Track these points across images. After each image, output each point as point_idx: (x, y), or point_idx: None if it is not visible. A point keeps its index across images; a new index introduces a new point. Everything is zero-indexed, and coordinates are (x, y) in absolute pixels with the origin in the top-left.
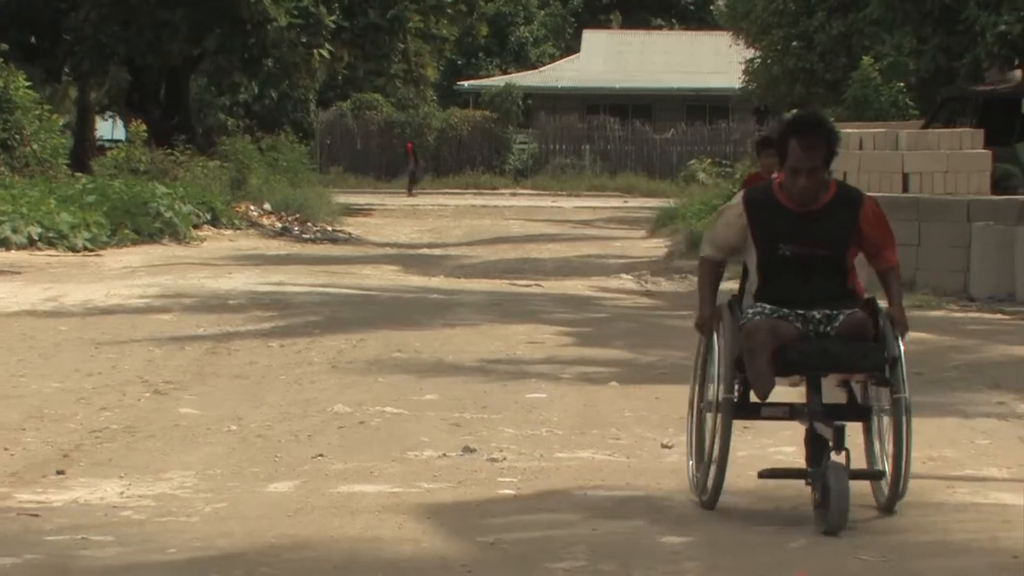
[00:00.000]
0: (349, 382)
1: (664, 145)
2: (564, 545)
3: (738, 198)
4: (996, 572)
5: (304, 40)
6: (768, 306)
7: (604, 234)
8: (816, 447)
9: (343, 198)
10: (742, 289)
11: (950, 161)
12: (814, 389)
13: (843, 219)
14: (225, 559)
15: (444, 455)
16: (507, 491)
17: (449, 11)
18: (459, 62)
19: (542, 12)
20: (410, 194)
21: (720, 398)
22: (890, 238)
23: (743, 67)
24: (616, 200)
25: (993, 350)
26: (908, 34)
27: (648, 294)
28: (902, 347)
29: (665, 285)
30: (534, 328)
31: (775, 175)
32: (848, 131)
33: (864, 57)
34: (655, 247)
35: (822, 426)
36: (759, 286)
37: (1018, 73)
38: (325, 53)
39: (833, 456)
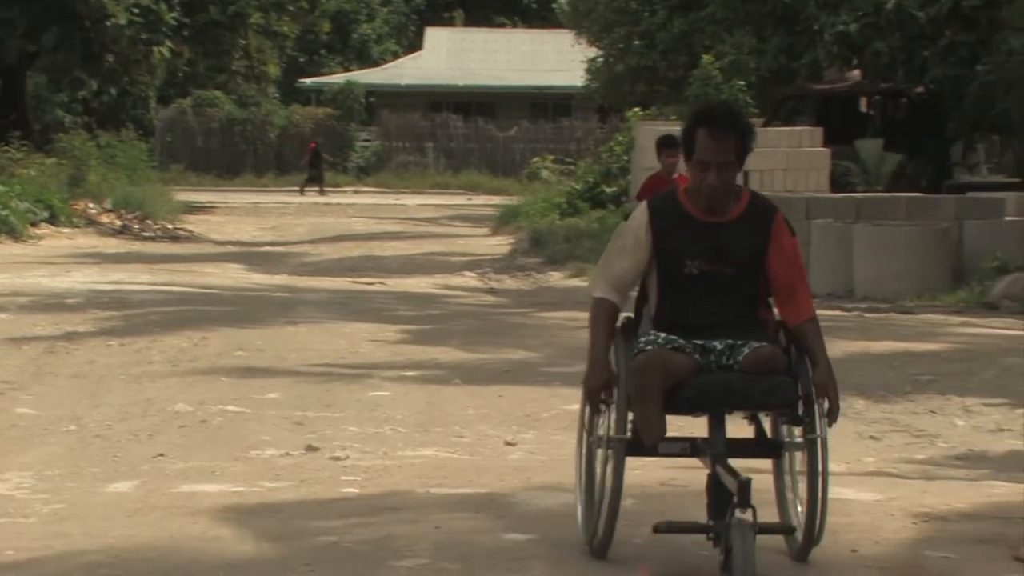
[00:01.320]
0: (190, 381)
1: (507, 143)
2: (407, 543)
3: (640, 209)
4: (836, 566)
5: (144, 37)
6: (662, 334)
7: (448, 232)
8: (719, 497)
9: (184, 196)
10: (639, 313)
11: (790, 159)
12: (717, 427)
13: (755, 234)
14: (63, 560)
15: (287, 454)
16: (350, 490)
17: (290, 8)
18: (301, 59)
19: (384, 9)
20: (322, 193)
21: (612, 437)
22: (801, 273)
23: (585, 65)
24: (460, 198)
25: (832, 346)
26: (748, 33)
27: (492, 292)
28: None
29: (508, 283)
30: (377, 326)
31: (676, 175)
32: None
33: (705, 56)
34: (498, 245)
35: (726, 475)
36: (657, 310)
37: (856, 72)
38: (165, 50)
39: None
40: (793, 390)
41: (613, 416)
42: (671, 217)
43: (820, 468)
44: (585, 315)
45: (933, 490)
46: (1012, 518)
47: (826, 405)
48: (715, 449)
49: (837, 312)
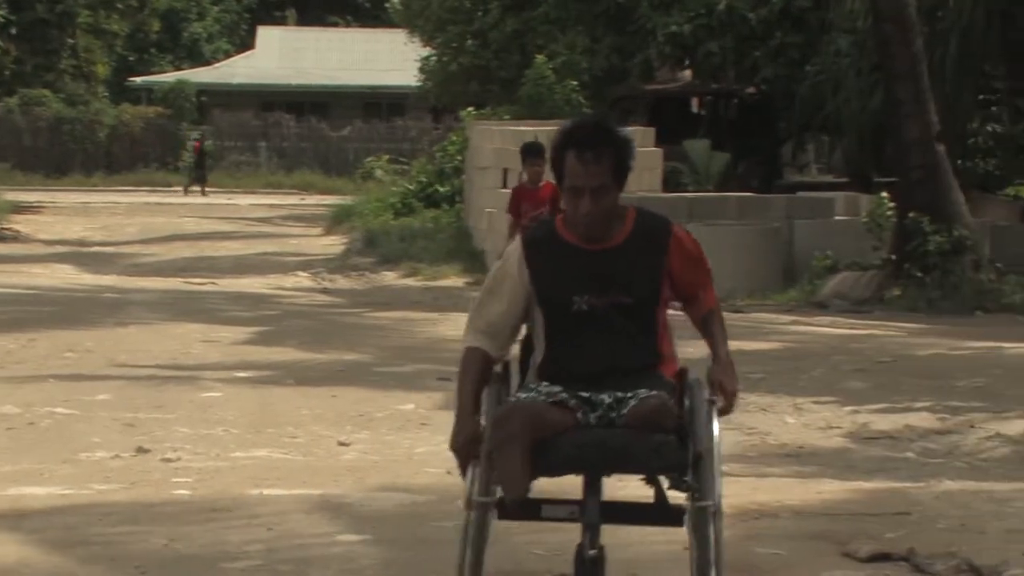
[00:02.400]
0: (18, 383)
1: (341, 143)
2: (240, 545)
3: (514, 244)
4: (670, 564)
5: None
6: (544, 385)
7: (281, 231)
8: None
9: (11, 195)
10: (524, 366)
11: None
12: (591, 492)
13: (648, 257)
14: None
15: (117, 456)
16: (182, 491)
17: (119, 6)
18: (131, 58)
19: (215, 8)
20: (203, 193)
21: (473, 499)
22: (707, 275)
23: (419, 65)
24: (293, 197)
25: None
26: (581, 33)
27: (325, 291)
28: (716, 432)
29: (342, 283)
30: (209, 327)
31: (543, 183)
32: (523, 129)
33: (538, 55)
34: (332, 244)
35: (593, 551)
36: (543, 359)
37: (688, 73)
38: None
39: None
40: (681, 451)
41: (475, 486)
42: (549, 249)
43: (712, 540)
44: (421, 315)
45: (764, 487)
46: (841, 515)
47: (720, 402)
48: (587, 517)
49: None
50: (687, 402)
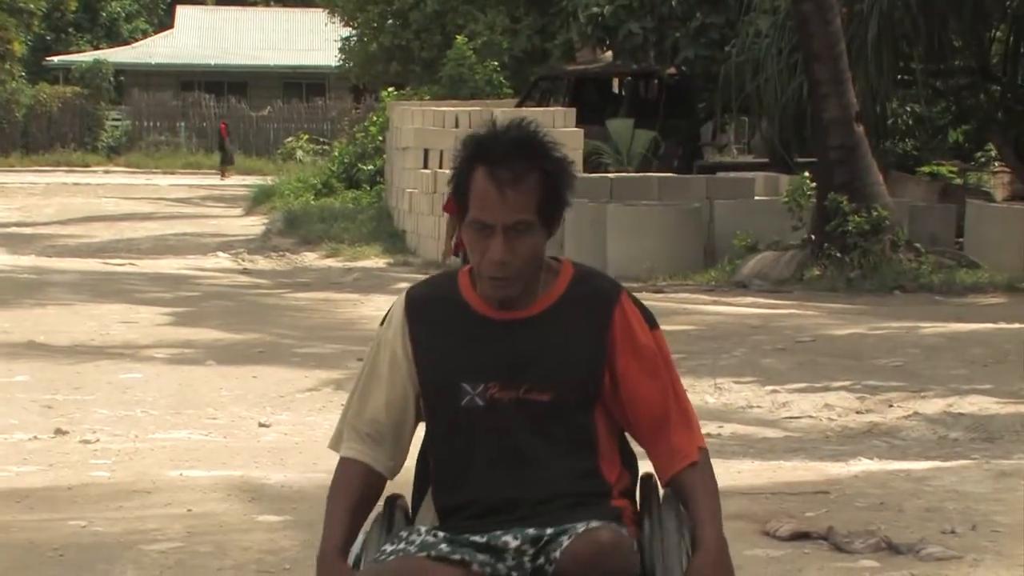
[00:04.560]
0: None
1: (261, 123)
2: (159, 527)
3: (396, 306)
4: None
5: None
6: (423, 530)
7: (200, 212)
8: None
9: None
10: (420, 492)
11: None
12: None
13: (584, 333)
14: None
15: (35, 438)
16: (100, 473)
17: None
18: (48, 37)
19: None
20: (223, 176)
21: None
22: (674, 393)
23: (339, 45)
24: (213, 178)
25: None
26: (502, 13)
27: (245, 272)
28: None
29: (262, 263)
30: (128, 308)
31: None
32: (444, 110)
33: (458, 36)
34: (252, 225)
35: None
36: (433, 480)
37: (609, 54)
38: None
39: None
40: None
41: None
42: (441, 314)
43: None
44: (342, 296)
45: None
46: (760, 494)
47: None
48: None
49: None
50: (647, 531)
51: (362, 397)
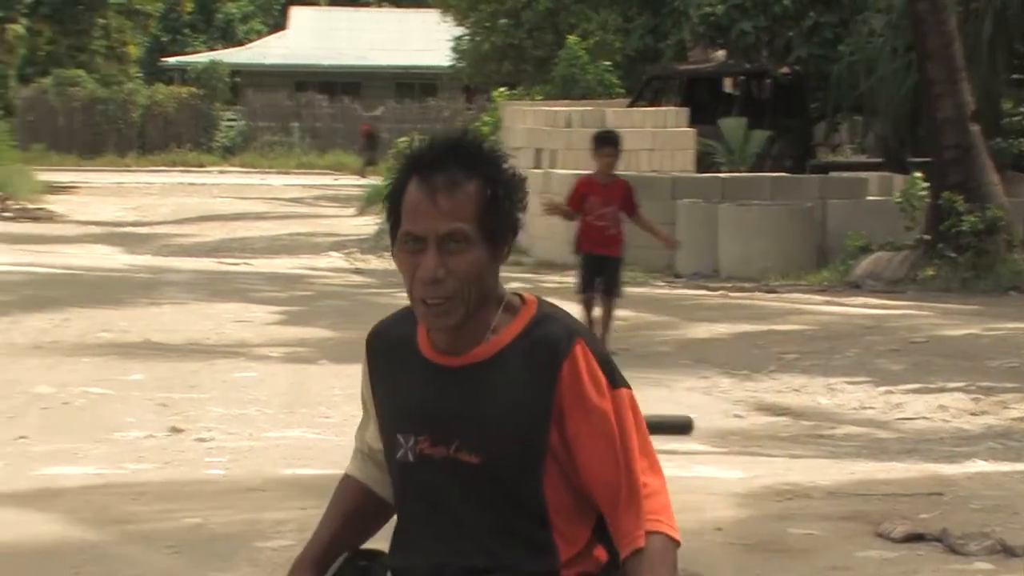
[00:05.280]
0: (53, 362)
1: (373, 123)
2: (272, 525)
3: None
4: (700, 544)
5: None
6: None
7: (314, 212)
8: None
9: (46, 176)
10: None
11: (655, 139)
12: None
13: (527, 388)
14: None
15: (151, 436)
16: (215, 471)
17: None
18: (164, 38)
19: None
20: (363, 176)
21: None
22: (630, 465)
23: (451, 44)
24: (326, 178)
25: (698, 326)
26: (615, 13)
27: (357, 272)
28: None
29: (374, 263)
30: (243, 307)
31: (614, 179)
32: (556, 109)
33: (571, 35)
34: (365, 225)
35: None
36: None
37: (721, 53)
38: (21, 28)
39: None
40: None
41: None
42: (391, 356)
43: None
44: None
45: (797, 468)
46: (874, 495)
47: None
48: None
49: (702, 292)
50: None
51: (363, 419)
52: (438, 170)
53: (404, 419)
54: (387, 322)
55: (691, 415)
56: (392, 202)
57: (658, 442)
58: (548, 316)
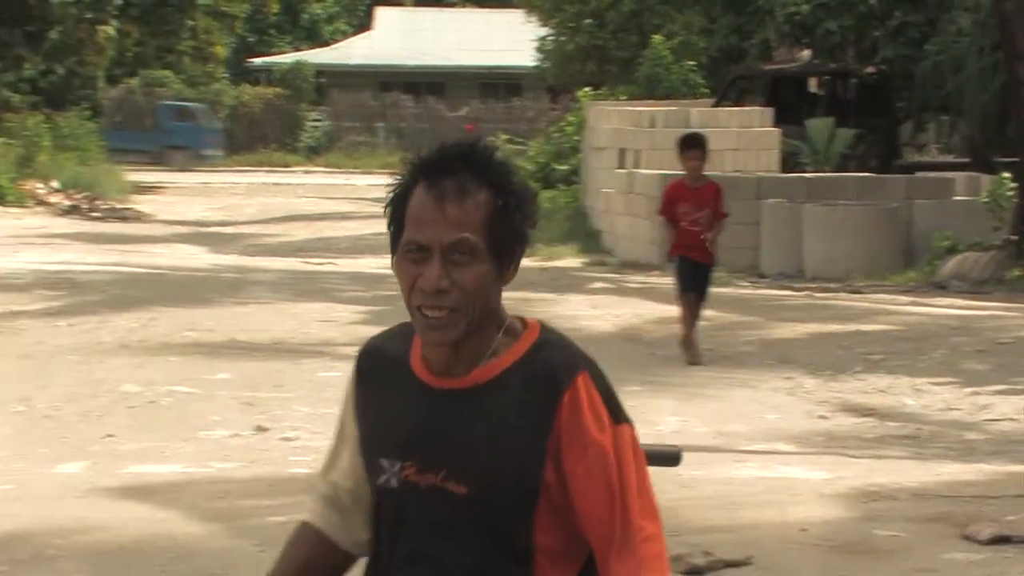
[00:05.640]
0: (139, 361)
1: (458, 123)
2: None
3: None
4: (785, 545)
5: (89, 16)
6: None
7: None
8: None
9: (134, 176)
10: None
11: (740, 139)
12: None
13: (524, 417)
14: (12, 541)
15: (236, 434)
16: (300, 470)
17: None
18: (250, 39)
19: None
20: None
21: None
22: (627, 511)
23: (536, 45)
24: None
25: (782, 327)
26: (698, 13)
27: None
28: None
29: None
30: (328, 306)
31: (704, 183)
32: (640, 109)
33: (655, 35)
34: None
35: None
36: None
37: (806, 52)
38: (111, 30)
39: None
40: None
41: None
42: (383, 375)
43: None
44: (537, 295)
45: (882, 469)
46: (960, 497)
47: None
48: None
49: (787, 292)
50: None
51: (331, 455)
52: (447, 176)
53: (391, 443)
54: (380, 339)
55: (773, 416)
56: (395, 208)
57: (737, 441)
58: (551, 342)
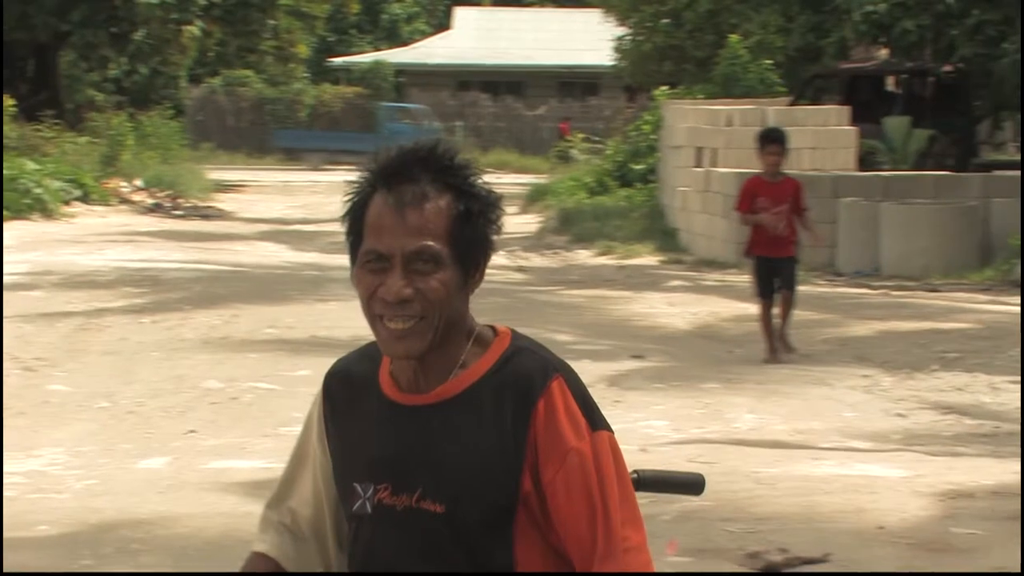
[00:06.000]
0: (221, 358)
1: (536, 122)
2: None
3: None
4: (862, 542)
5: (174, 16)
6: None
7: None
8: None
9: (215, 174)
10: None
11: (817, 138)
12: None
13: (496, 431)
14: (96, 535)
15: None
16: None
17: None
18: (331, 39)
19: None
20: None
21: None
22: (606, 517)
23: (613, 44)
24: (488, 176)
25: (859, 324)
26: (775, 12)
27: (520, 269)
28: None
29: (536, 261)
30: None
31: (781, 178)
32: (717, 108)
33: (732, 35)
34: (527, 223)
35: None
36: None
37: (883, 51)
38: (195, 30)
39: None
40: None
41: None
42: (351, 396)
43: None
44: (615, 293)
45: (959, 467)
46: None
47: None
48: None
49: (864, 290)
50: None
51: (286, 481)
52: (407, 182)
53: (362, 466)
54: (346, 360)
55: (850, 414)
56: (353, 217)
57: (814, 438)
58: (523, 349)
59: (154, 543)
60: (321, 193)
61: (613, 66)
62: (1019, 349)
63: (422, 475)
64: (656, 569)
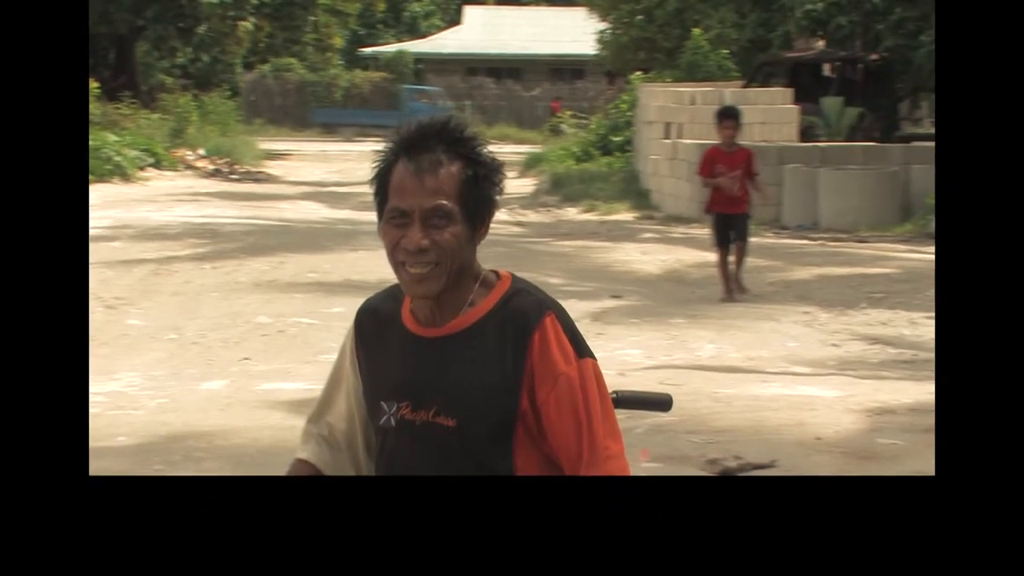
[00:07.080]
0: (270, 297)
1: (532, 101)
2: None
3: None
4: (804, 451)
5: (232, 14)
6: None
7: None
8: None
9: (265, 145)
10: None
11: (766, 114)
12: None
13: (496, 358)
14: (166, 444)
15: None
16: None
17: None
18: (361, 32)
19: None
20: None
21: None
22: (591, 431)
23: (596, 36)
24: (492, 146)
25: (801, 270)
26: (731, 10)
27: (518, 224)
28: None
29: (532, 217)
30: None
31: (736, 149)
32: (682, 90)
33: (695, 29)
34: (525, 185)
35: None
36: None
37: (821, 43)
38: (250, 25)
39: None
40: None
41: None
42: (378, 330)
43: None
44: (597, 244)
45: (884, 388)
46: None
47: None
48: None
49: (805, 241)
50: None
51: (324, 400)
52: (425, 151)
53: (388, 387)
54: (374, 300)
55: (792, 344)
56: (379, 181)
57: (763, 364)
58: (521, 290)
59: (215, 451)
60: (353, 160)
61: (596, 55)
62: (933, 290)
63: (437, 395)
64: (631, 473)
